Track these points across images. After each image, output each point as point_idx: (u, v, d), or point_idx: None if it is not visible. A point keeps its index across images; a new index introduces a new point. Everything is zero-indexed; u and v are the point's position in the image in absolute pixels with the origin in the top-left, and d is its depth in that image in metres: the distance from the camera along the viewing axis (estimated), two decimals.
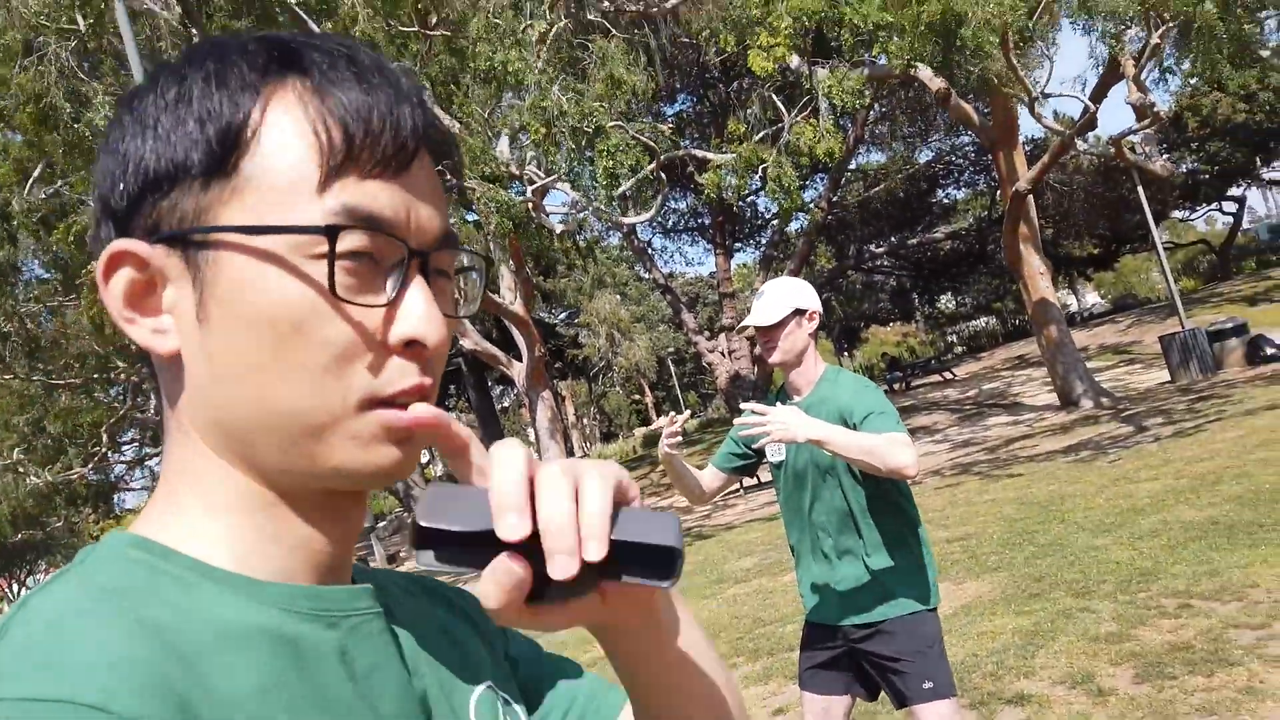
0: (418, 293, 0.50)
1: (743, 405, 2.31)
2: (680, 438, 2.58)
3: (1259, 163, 35.23)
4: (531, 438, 23.41)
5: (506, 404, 59.38)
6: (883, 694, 2.49)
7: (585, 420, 64.15)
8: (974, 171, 31.26)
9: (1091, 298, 53.36)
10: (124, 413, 26.55)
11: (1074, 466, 9.48)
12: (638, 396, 67.39)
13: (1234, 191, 37.65)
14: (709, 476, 2.75)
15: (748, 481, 16.81)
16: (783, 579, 7.32)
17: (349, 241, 0.47)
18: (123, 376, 23.43)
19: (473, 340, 16.34)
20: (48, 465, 24.82)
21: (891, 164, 28.55)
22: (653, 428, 48.43)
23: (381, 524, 28.67)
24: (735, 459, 2.72)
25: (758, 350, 2.66)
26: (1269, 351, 14.63)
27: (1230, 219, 39.57)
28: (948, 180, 31.85)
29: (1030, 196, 15.74)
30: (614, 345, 42.90)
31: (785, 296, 2.52)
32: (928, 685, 2.33)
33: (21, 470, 23.53)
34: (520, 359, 16.78)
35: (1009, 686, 3.76)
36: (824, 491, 2.46)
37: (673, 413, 2.63)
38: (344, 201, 0.47)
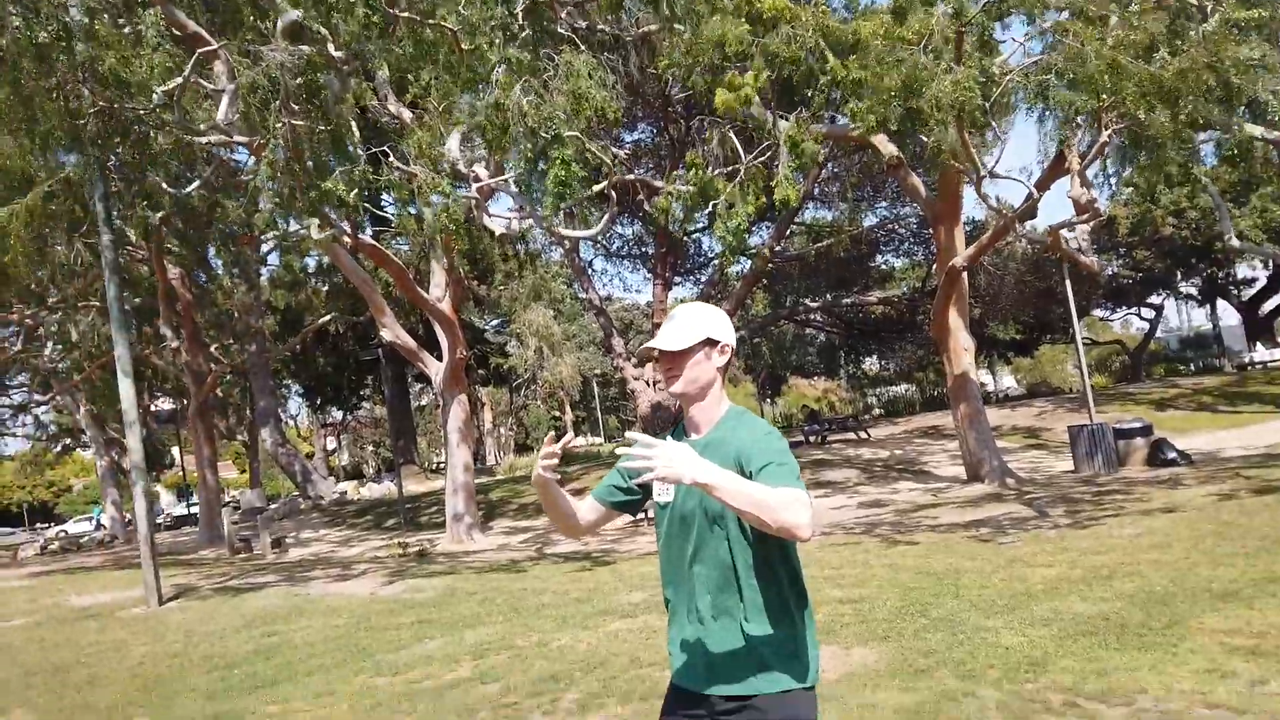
0: None
1: (628, 434, 2.06)
2: (557, 460, 2.33)
3: (1179, 275, 36.85)
4: (443, 439, 22.79)
5: (424, 403, 58.25)
6: None
7: (502, 429, 63.34)
8: (914, 242, 31.97)
9: (1007, 380, 55.00)
10: (14, 355, 25.12)
11: (973, 543, 9.49)
12: (558, 413, 66.83)
13: (1153, 299, 39.29)
14: (586, 508, 2.49)
15: (637, 515, 16.58)
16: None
17: None
18: (16, 318, 22.16)
19: (393, 332, 15.84)
20: None
21: (837, 224, 28.96)
22: (564, 443, 48.01)
23: (274, 506, 27.59)
24: (618, 492, 2.47)
25: (658, 376, 2.41)
26: (1169, 455, 15.08)
27: (1146, 325, 41.25)
28: (888, 247, 32.50)
29: (965, 274, 16.04)
30: (541, 359, 42.42)
31: (698, 323, 2.29)
32: None
33: None
34: (441, 359, 16.33)
35: None
36: (709, 543, 2.22)
37: (553, 431, 2.37)
38: None
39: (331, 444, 62.75)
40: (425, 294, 15.63)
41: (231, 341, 27.89)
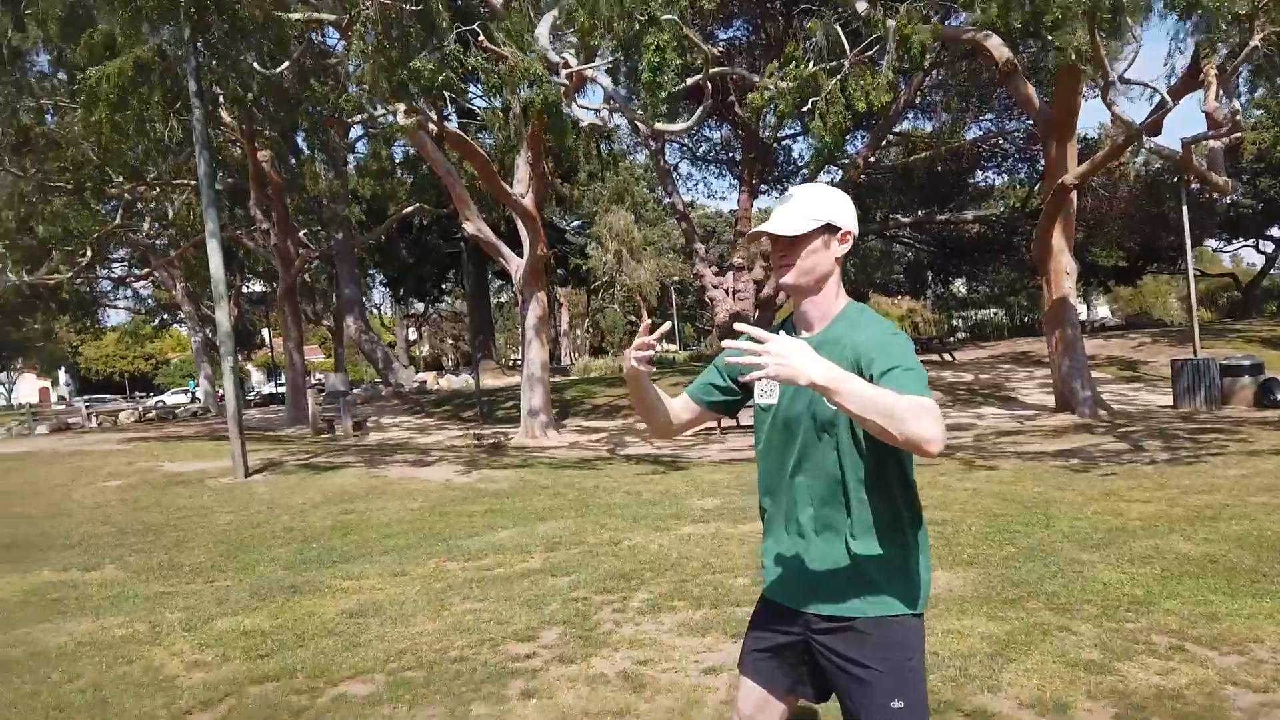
0: None
1: (738, 327, 1.80)
2: (654, 351, 2.09)
3: None
4: (520, 337, 22.94)
5: (504, 300, 58.86)
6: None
7: (578, 331, 63.79)
8: (1018, 159, 30.32)
9: (1102, 310, 52.78)
10: (114, 228, 25.91)
11: (1062, 472, 9.09)
12: (634, 318, 66.87)
13: (1274, 231, 36.81)
14: (679, 406, 2.26)
15: (726, 422, 16.46)
16: (743, 527, 6.96)
17: None
18: (114, 191, 22.76)
19: (476, 226, 15.74)
20: (29, 266, 24.31)
21: (937, 135, 27.58)
22: (660, 333, 48.14)
23: (356, 391, 28.40)
24: (715, 391, 2.23)
25: (767, 269, 2.11)
26: (1279, 396, 14.21)
27: (1262, 259, 38.79)
28: (989, 163, 30.91)
29: (1074, 194, 15.09)
30: (620, 263, 42.25)
31: (817, 206, 2.00)
32: (896, 705, 1.90)
33: (2, 266, 23.02)
34: (522, 255, 16.21)
35: (970, 698, 3.39)
36: (815, 452, 1.98)
37: (649, 320, 2.11)
38: None
39: (412, 335, 64.24)
40: (508, 188, 15.42)
41: (319, 228, 28.32)
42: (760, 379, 1.68)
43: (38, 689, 4.18)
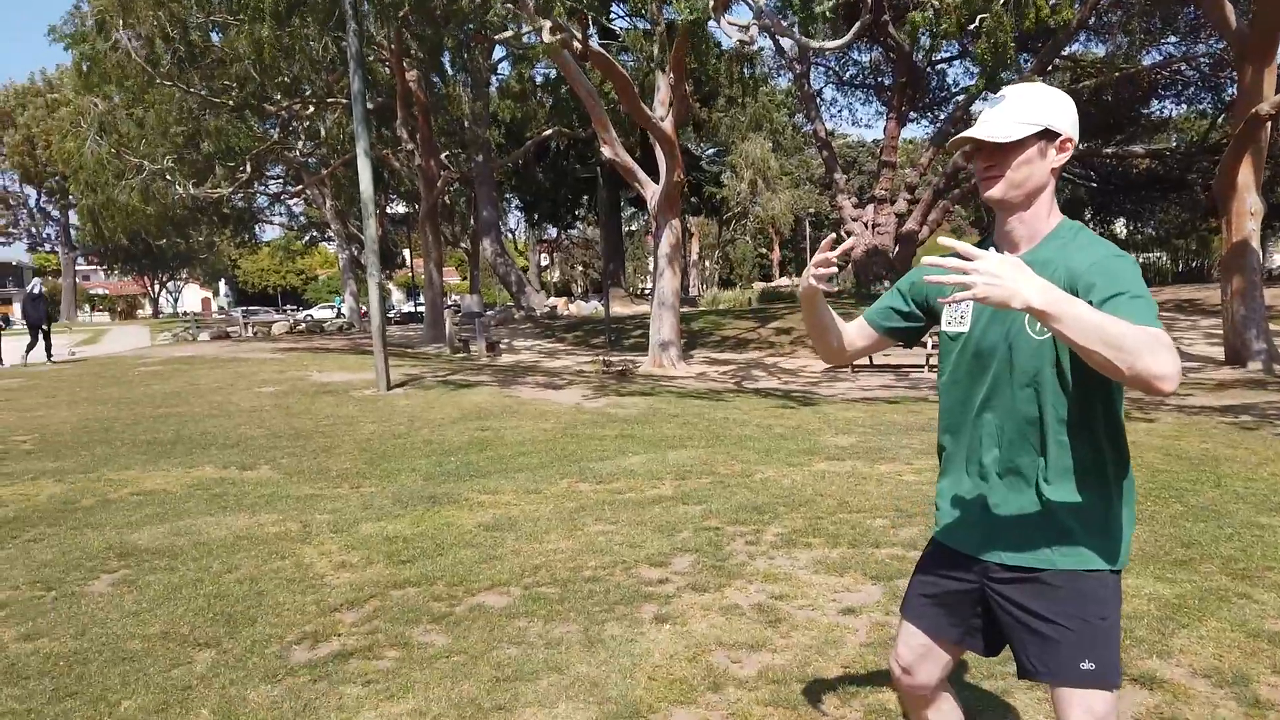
0: None
1: (942, 241, 1.60)
2: (835, 269, 1.92)
3: None
4: (650, 266, 22.84)
5: (634, 228, 58.88)
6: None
7: (708, 262, 63.30)
8: (1200, 88, 27.68)
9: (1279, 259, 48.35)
10: (271, 145, 27.12)
11: (1233, 429, 8.39)
12: (765, 250, 65.87)
13: None
14: (855, 331, 2.09)
15: (879, 358, 16.00)
16: (879, 468, 6.73)
17: None
18: (272, 109, 23.72)
19: (613, 150, 15.60)
20: (195, 180, 25.80)
21: (1110, 59, 25.44)
22: (774, 284, 47.31)
23: (490, 313, 29.14)
24: (896, 316, 2.05)
25: (973, 175, 1.88)
26: None
27: None
28: (1168, 92, 28.36)
29: (1268, 125, 13.67)
30: (755, 193, 41.41)
31: (1034, 108, 1.75)
32: (1087, 666, 1.72)
33: (170, 179, 24.48)
34: (658, 182, 16.01)
35: (1138, 663, 3.14)
36: (1010, 387, 1.78)
37: (831, 235, 1.93)
38: None
39: (544, 260, 65.28)
40: (648, 110, 15.17)
41: (460, 150, 28.82)
42: (968, 299, 1.48)
43: (200, 577, 4.45)
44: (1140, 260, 39.40)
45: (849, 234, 28.00)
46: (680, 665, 3.29)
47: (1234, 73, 16.45)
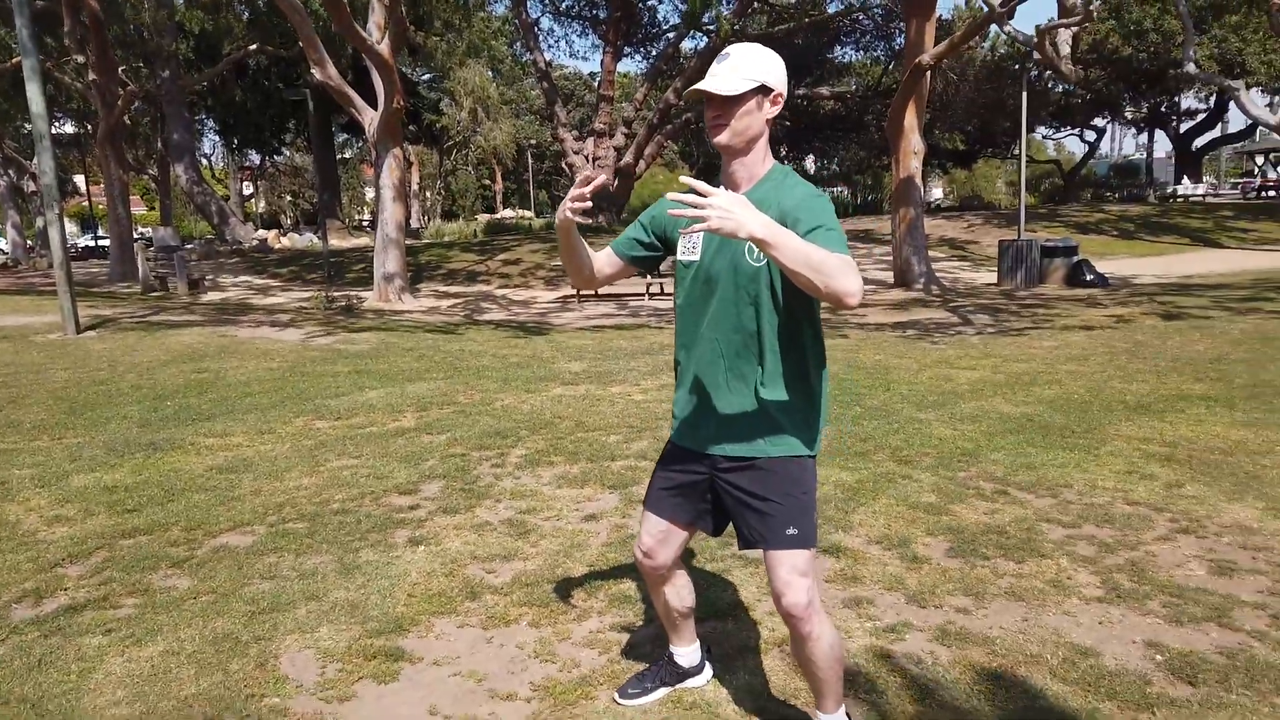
0: None
1: (683, 179, 1.88)
2: (589, 204, 2.16)
3: (1126, 100, 36.74)
4: (370, 196, 21.88)
5: (349, 156, 55.77)
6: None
7: (429, 193, 61.48)
8: (875, 36, 30.78)
9: (937, 192, 55.45)
10: None
11: (901, 342, 9.79)
12: (488, 182, 65.09)
13: (1098, 122, 39.31)
14: (603, 260, 2.37)
15: (584, 291, 16.58)
16: (611, 389, 7.21)
17: None
18: None
19: (325, 73, 14.75)
20: None
21: (801, 6, 27.52)
22: (499, 216, 47.02)
23: (190, 246, 26.65)
24: (639, 247, 2.34)
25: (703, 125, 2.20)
26: (1089, 277, 15.61)
27: (1085, 147, 41.50)
28: (849, 38, 31.27)
29: (927, 75, 15.60)
30: (476, 122, 40.66)
31: (755, 66, 2.06)
32: (791, 531, 2.14)
33: None
34: (375, 108, 15.38)
35: (827, 537, 3.77)
36: (733, 306, 2.13)
37: (589, 170, 2.17)
38: None
39: (248, 189, 60.14)
40: (363, 32, 14.46)
41: (142, 64, 25.72)
42: (695, 231, 1.77)
43: None
44: (825, 194, 43.62)
45: (571, 166, 28.47)
46: (438, 580, 3.49)
47: (904, 24, 18.49)
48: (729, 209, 1.74)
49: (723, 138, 2.10)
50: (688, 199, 1.78)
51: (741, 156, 2.13)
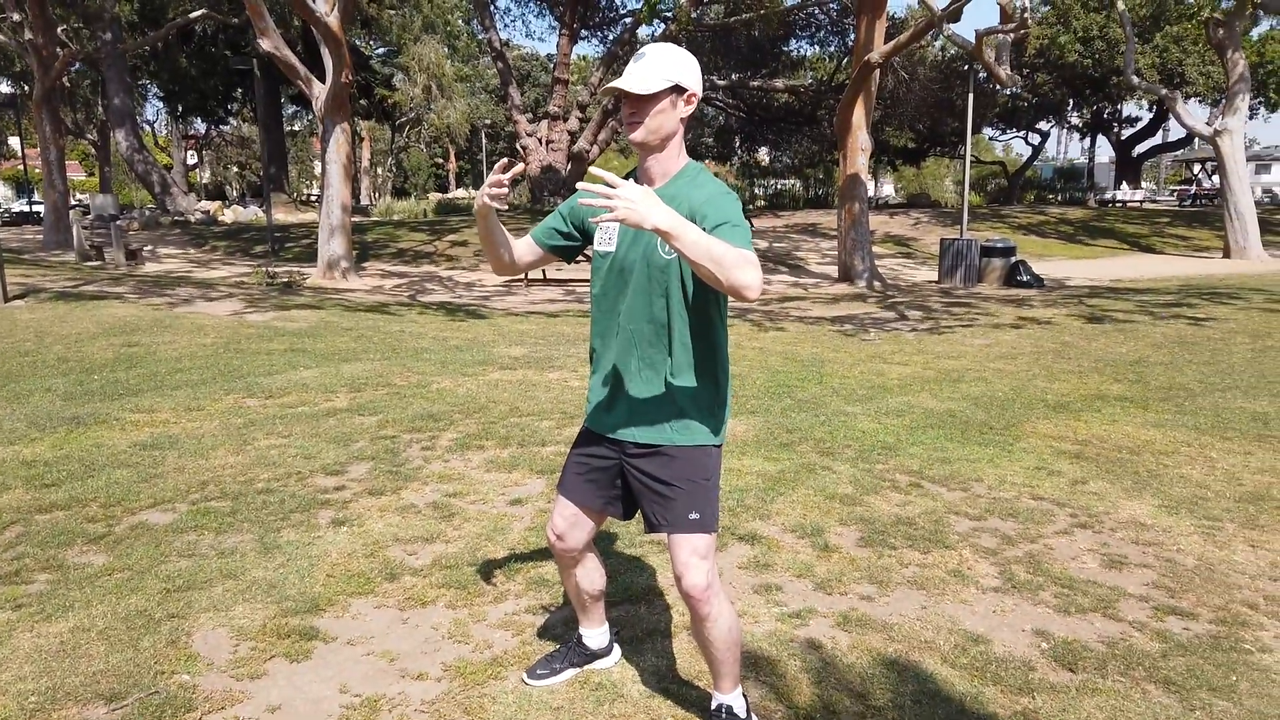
0: None
1: (593, 170, 1.94)
2: (506, 190, 2.22)
3: (1071, 105, 37.60)
4: (317, 171, 21.51)
5: (298, 128, 54.65)
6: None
7: (380, 170, 60.57)
8: (830, 32, 31.06)
9: (887, 188, 56.24)
10: None
11: (837, 336, 9.98)
12: (441, 160, 64.33)
13: (1042, 126, 40.16)
14: (523, 248, 2.42)
15: (533, 275, 16.55)
16: (548, 375, 7.25)
17: None
18: None
19: (272, 43, 14.47)
20: None
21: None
22: (451, 196, 46.53)
23: (130, 215, 25.96)
24: (557, 235, 2.39)
25: (619, 121, 2.27)
26: (1024, 277, 16.02)
27: (1030, 150, 42.39)
28: (804, 33, 31.50)
29: (876, 72, 15.82)
30: (430, 99, 40.14)
31: (668, 66, 2.12)
32: (693, 516, 2.23)
33: None
34: (324, 81, 15.14)
35: (744, 524, 3.88)
36: (645, 297, 2.20)
37: (507, 158, 2.22)
38: None
39: (192, 158, 58.63)
40: (310, 3, 14.21)
41: (82, 25, 24.93)
42: (609, 220, 1.84)
43: None
44: (776, 186, 43.83)
45: (524, 149, 28.29)
46: (358, 561, 3.52)
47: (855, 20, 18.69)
48: (635, 201, 1.81)
49: (638, 135, 2.16)
50: (596, 189, 1.84)
51: (656, 153, 2.19)
